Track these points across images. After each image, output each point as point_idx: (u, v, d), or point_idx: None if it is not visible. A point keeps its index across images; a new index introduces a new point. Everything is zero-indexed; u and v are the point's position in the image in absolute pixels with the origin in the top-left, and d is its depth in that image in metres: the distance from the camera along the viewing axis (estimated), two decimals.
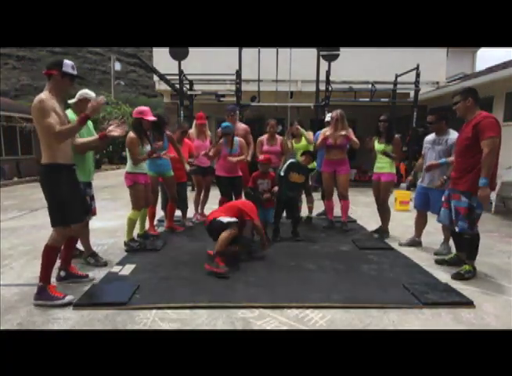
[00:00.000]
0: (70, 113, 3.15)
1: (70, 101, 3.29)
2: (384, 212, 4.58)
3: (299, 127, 5.11)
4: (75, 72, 2.73)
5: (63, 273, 3.00)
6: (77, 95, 3.28)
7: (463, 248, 3.45)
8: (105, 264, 3.43)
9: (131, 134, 3.81)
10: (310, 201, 5.22)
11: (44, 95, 2.53)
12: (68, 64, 2.67)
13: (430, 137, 3.94)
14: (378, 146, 4.48)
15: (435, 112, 3.85)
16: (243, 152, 4.55)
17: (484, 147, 2.92)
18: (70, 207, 2.68)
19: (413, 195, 6.73)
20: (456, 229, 3.19)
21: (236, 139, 4.60)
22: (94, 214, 3.54)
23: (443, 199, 3.42)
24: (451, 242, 3.83)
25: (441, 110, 3.89)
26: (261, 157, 4.38)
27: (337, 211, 5.05)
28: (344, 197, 4.79)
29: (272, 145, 5.01)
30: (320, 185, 5.25)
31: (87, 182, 3.34)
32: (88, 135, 3.26)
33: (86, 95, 3.26)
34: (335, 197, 5.00)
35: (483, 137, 2.92)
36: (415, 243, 4.18)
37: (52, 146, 2.55)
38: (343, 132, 4.49)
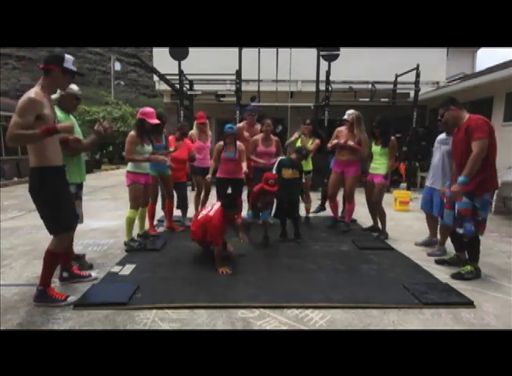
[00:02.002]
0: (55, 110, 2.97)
1: (52, 96, 2.97)
2: (379, 214, 4.55)
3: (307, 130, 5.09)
4: (75, 68, 2.58)
5: (65, 274, 3.00)
6: (59, 91, 3.03)
7: (462, 249, 3.45)
8: (90, 267, 3.34)
9: (132, 132, 3.83)
10: (307, 201, 5.20)
11: (35, 93, 2.32)
12: (69, 60, 2.49)
13: (442, 136, 3.87)
14: (374, 147, 4.48)
15: None
16: (242, 157, 4.50)
17: (474, 148, 2.92)
18: (69, 210, 2.62)
19: (414, 195, 6.76)
20: (461, 231, 3.13)
21: (238, 143, 4.51)
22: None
23: (445, 200, 3.41)
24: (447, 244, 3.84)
25: None
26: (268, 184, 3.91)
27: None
28: (348, 200, 4.75)
29: (268, 146, 4.88)
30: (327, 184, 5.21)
31: (80, 183, 3.25)
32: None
33: (68, 90, 3.02)
34: (339, 198, 5.01)
35: (473, 138, 2.93)
36: (432, 243, 4.12)
37: (40, 148, 2.39)
38: (351, 143, 4.43)
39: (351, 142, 4.44)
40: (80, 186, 3.26)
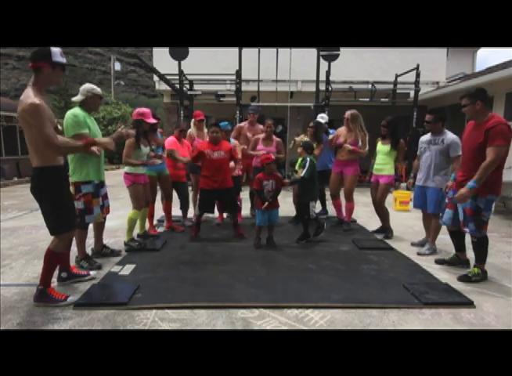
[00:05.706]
0: (77, 110, 3.07)
1: (74, 99, 3.13)
2: (382, 213, 4.57)
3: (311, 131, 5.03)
4: (65, 60, 2.48)
5: (64, 274, 2.99)
6: (83, 92, 3.10)
7: (462, 249, 3.44)
8: (99, 267, 3.33)
9: None
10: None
11: (35, 97, 2.27)
12: (57, 52, 2.39)
13: (426, 137, 3.94)
14: (381, 146, 4.48)
15: (434, 112, 3.84)
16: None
17: (490, 154, 2.84)
18: (69, 210, 2.62)
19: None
20: (467, 231, 3.12)
21: (232, 140, 4.78)
22: (108, 212, 3.53)
23: (447, 200, 3.39)
24: (440, 242, 3.83)
25: (441, 111, 3.87)
26: (262, 157, 4.18)
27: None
28: (347, 199, 4.78)
29: (267, 145, 4.95)
30: (327, 184, 5.20)
31: (101, 181, 3.31)
32: (94, 135, 3.16)
33: (93, 90, 3.15)
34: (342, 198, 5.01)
35: (491, 143, 2.84)
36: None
37: (42, 149, 2.39)
38: (349, 146, 4.52)
39: (348, 146, 4.52)
40: (99, 185, 3.28)
